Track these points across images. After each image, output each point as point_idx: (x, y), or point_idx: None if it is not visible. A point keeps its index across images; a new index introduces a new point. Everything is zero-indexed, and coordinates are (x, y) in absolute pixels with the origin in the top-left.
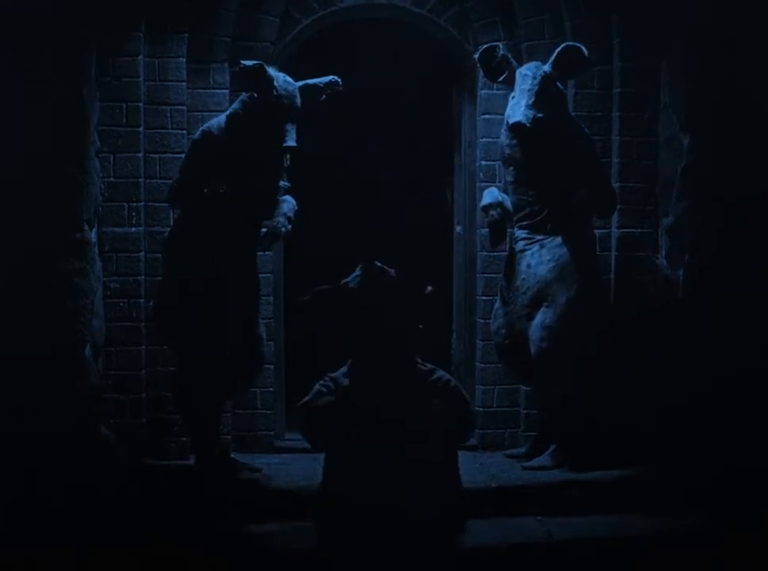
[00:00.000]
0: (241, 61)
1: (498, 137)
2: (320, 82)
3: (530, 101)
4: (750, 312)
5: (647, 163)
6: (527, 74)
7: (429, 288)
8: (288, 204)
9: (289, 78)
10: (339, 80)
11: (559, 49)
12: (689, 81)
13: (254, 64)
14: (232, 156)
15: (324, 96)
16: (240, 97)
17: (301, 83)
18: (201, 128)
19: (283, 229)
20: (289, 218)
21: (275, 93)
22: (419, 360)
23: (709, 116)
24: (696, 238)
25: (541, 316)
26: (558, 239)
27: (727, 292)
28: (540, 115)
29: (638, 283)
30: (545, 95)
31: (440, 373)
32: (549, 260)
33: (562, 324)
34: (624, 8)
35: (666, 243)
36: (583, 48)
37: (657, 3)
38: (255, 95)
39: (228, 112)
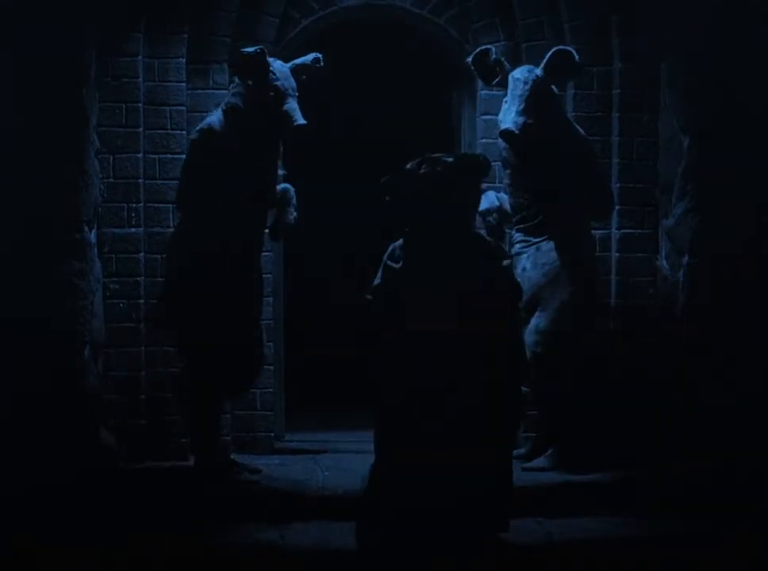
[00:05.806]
0: (242, 49)
1: (497, 138)
2: (306, 61)
3: (520, 108)
4: (750, 313)
5: (646, 164)
6: (519, 79)
7: None
8: (290, 192)
9: (279, 61)
10: (320, 56)
11: (550, 53)
12: (689, 82)
13: (256, 49)
14: (236, 149)
15: (305, 75)
16: (233, 91)
17: (290, 64)
18: (198, 128)
19: (293, 217)
20: (294, 206)
21: (273, 76)
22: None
23: (709, 117)
24: (696, 239)
25: (535, 321)
26: (553, 243)
27: (726, 293)
28: (530, 121)
29: (638, 284)
30: (537, 100)
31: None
32: (544, 264)
33: (555, 329)
34: (624, 8)
35: (666, 244)
36: (573, 52)
37: (657, 3)
38: (251, 83)
39: (222, 107)
